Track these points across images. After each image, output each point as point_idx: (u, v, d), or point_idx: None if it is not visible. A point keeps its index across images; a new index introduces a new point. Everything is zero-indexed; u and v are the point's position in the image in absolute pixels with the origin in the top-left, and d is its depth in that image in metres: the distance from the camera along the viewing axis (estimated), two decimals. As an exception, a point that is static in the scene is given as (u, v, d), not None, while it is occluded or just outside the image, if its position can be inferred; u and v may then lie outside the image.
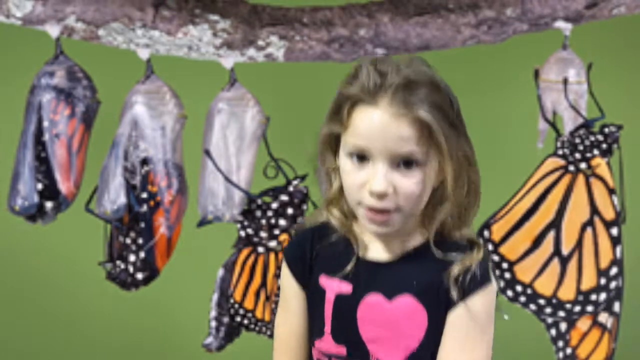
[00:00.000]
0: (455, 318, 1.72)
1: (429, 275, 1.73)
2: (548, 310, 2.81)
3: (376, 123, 1.67)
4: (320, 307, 1.79)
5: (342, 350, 1.78)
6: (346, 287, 1.77)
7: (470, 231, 1.78)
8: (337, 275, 1.77)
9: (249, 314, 2.81)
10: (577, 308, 2.80)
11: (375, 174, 1.69)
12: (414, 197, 1.70)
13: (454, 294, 1.71)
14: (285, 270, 1.84)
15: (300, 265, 1.82)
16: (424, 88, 1.69)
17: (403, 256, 1.76)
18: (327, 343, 1.80)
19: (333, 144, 1.77)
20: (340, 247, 1.80)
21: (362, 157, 1.70)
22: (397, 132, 1.66)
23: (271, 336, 2.82)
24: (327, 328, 1.79)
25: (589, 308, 2.80)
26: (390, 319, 1.74)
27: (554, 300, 2.80)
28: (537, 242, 2.80)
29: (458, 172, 1.71)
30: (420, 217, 1.76)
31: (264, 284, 2.80)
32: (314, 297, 1.81)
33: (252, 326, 2.82)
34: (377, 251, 1.78)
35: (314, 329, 1.82)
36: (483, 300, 1.72)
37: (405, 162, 1.68)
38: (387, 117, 1.67)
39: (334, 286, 1.78)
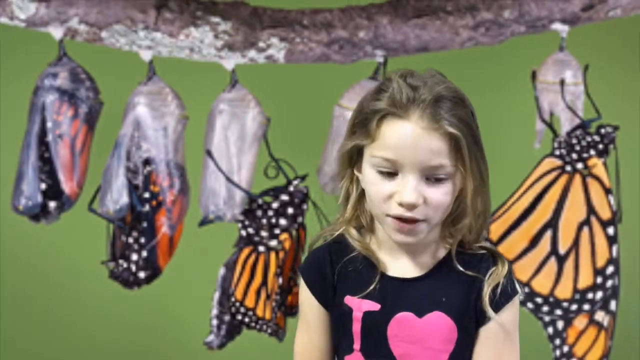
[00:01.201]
0: (490, 331, 1.75)
1: (457, 289, 1.76)
2: (545, 308, 2.81)
3: (408, 136, 1.69)
4: (348, 325, 1.79)
5: None
6: (373, 305, 1.78)
7: (488, 243, 1.81)
8: (362, 296, 1.78)
9: (250, 313, 2.81)
10: (574, 306, 2.81)
11: (405, 185, 1.70)
12: (442, 208, 1.72)
13: (487, 309, 1.74)
14: (305, 292, 1.83)
15: (322, 286, 1.81)
16: (453, 103, 1.71)
17: (428, 272, 1.78)
18: (357, 359, 1.80)
19: (355, 157, 1.78)
20: (360, 264, 1.80)
21: (390, 170, 1.72)
22: (429, 145, 1.69)
23: (272, 334, 2.84)
24: (357, 345, 1.79)
25: (586, 306, 2.81)
26: (421, 335, 1.75)
27: (551, 299, 2.81)
28: (534, 242, 2.80)
29: (478, 186, 1.74)
30: (440, 230, 1.79)
31: (264, 282, 2.80)
32: (340, 315, 1.80)
33: (253, 324, 2.83)
34: (400, 267, 1.79)
35: (342, 346, 1.81)
36: (514, 311, 1.76)
37: (435, 174, 1.71)
38: (420, 130, 1.68)
39: (360, 305, 1.78)
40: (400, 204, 1.70)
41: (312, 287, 1.82)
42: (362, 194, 1.80)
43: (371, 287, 1.77)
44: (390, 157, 1.70)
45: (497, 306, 1.75)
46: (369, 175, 1.74)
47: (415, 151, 1.68)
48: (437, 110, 1.69)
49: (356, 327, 1.77)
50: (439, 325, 1.74)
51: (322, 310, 1.82)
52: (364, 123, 1.74)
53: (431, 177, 1.71)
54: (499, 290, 1.75)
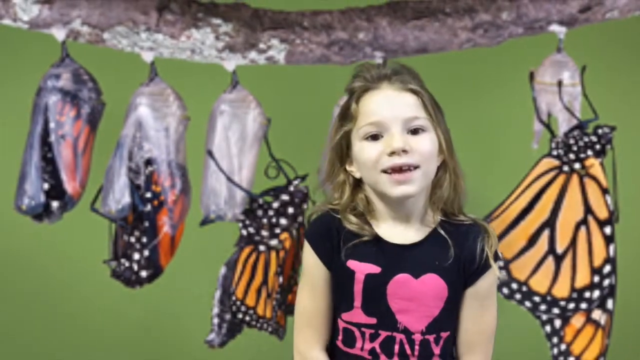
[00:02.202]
0: (478, 287, 2.00)
1: (448, 254, 1.98)
2: (543, 307, 2.83)
3: (384, 98, 1.97)
4: (349, 285, 1.98)
5: (372, 320, 1.98)
6: (374, 268, 1.97)
7: (476, 217, 2.05)
8: (364, 259, 1.98)
9: (251, 311, 2.83)
10: (571, 305, 2.82)
11: (392, 137, 1.94)
12: (429, 155, 1.96)
13: (475, 267, 1.99)
14: (309, 252, 2.01)
15: (327, 247, 2.00)
16: (411, 75, 2.01)
17: (423, 239, 1.99)
18: (357, 315, 1.99)
19: (344, 151, 2.00)
20: (363, 231, 1.99)
21: (375, 135, 1.95)
22: (402, 101, 1.96)
23: (272, 332, 2.85)
24: (357, 303, 1.98)
25: (583, 305, 2.82)
26: (416, 294, 1.97)
27: (548, 298, 2.82)
28: (532, 241, 2.82)
29: (449, 145, 2.00)
30: (428, 202, 2.00)
31: (265, 281, 2.81)
32: (342, 277, 1.99)
33: (254, 323, 2.84)
34: (398, 235, 1.99)
35: (341, 304, 2.00)
36: (495, 274, 2.01)
37: (414, 131, 1.95)
38: (391, 91, 1.97)
39: (362, 268, 1.98)
40: (392, 153, 1.93)
41: (317, 246, 2.00)
42: (355, 185, 2.01)
43: (372, 251, 1.98)
44: (373, 120, 1.95)
45: (483, 269, 1.99)
46: (359, 148, 1.97)
47: (392, 108, 1.96)
48: (401, 77, 1.99)
49: (358, 288, 1.97)
50: (432, 285, 1.97)
51: (327, 272, 2.00)
52: (347, 112, 2.00)
53: (411, 128, 1.95)
54: (485, 255, 1.98)
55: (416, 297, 1.97)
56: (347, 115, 1.99)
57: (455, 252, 1.98)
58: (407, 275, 1.97)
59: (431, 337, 1.98)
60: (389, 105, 1.95)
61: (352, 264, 1.98)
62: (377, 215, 2.00)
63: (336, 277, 2.00)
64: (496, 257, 2.01)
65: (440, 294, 1.98)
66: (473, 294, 1.99)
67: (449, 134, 2.00)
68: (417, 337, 1.97)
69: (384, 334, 1.98)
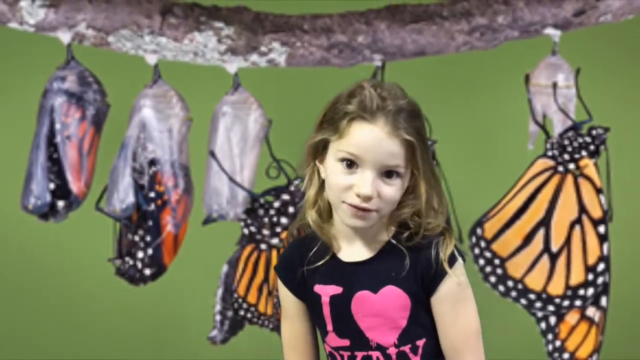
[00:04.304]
0: (442, 293, 1.96)
1: (403, 264, 1.96)
2: (538, 304, 2.85)
3: (373, 137, 1.91)
4: (319, 310, 2.00)
5: (345, 342, 1.99)
6: (336, 289, 1.98)
7: (439, 225, 2.00)
8: (326, 282, 1.99)
9: (252, 308, 2.85)
10: (566, 302, 2.84)
11: (363, 179, 1.90)
12: (392, 202, 1.94)
13: (433, 273, 1.95)
14: (282, 288, 2.05)
15: (293, 281, 2.02)
16: (410, 115, 1.94)
17: (377, 253, 1.99)
18: (332, 339, 2.00)
19: (320, 150, 1.99)
20: (324, 254, 2.00)
21: (351, 163, 1.92)
22: (389, 148, 1.91)
23: (273, 329, 2.88)
24: (329, 327, 1.99)
25: (577, 302, 2.84)
26: (379, 308, 1.96)
27: (543, 295, 2.84)
28: (527, 240, 2.84)
29: (432, 184, 1.97)
30: (386, 218, 1.99)
31: (266, 279, 2.84)
32: (312, 303, 2.01)
33: (255, 320, 2.87)
34: (354, 252, 1.99)
35: (320, 330, 2.03)
36: (458, 277, 1.96)
37: (388, 173, 1.92)
38: (383, 134, 1.91)
39: (327, 290, 1.99)
40: (358, 195, 1.91)
41: (286, 283, 2.03)
42: (322, 184, 2.01)
43: (332, 272, 1.98)
44: (355, 152, 1.91)
45: (441, 275, 1.96)
46: (332, 167, 1.95)
47: (377, 151, 1.90)
48: (398, 120, 1.92)
49: (326, 311, 1.99)
50: (393, 297, 1.95)
51: (298, 301, 2.03)
52: (334, 121, 1.95)
53: (385, 175, 1.92)
54: (440, 260, 1.96)
55: (380, 311, 1.96)
56: (332, 126, 1.95)
57: (411, 261, 1.95)
58: (367, 292, 1.96)
59: (406, 348, 1.97)
60: (374, 147, 1.90)
61: (317, 288, 1.99)
62: (336, 227, 2.00)
63: (308, 304, 2.02)
64: (453, 260, 1.95)
65: (403, 304, 1.95)
66: (440, 300, 1.96)
67: (433, 173, 1.97)
68: (393, 351, 1.97)
69: (359, 354, 1.98)
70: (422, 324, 1.97)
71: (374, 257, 1.98)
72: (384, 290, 1.96)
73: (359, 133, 1.91)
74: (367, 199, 1.90)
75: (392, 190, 1.92)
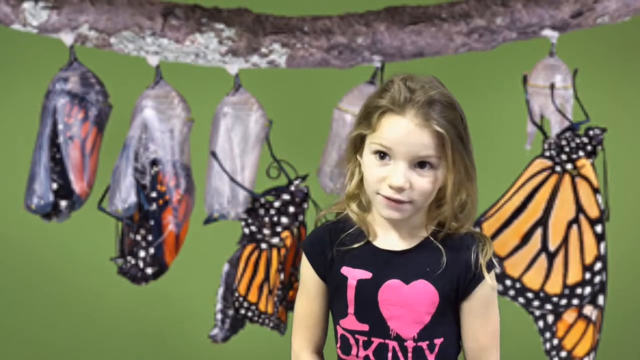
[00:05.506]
0: (477, 297, 1.99)
1: (439, 262, 1.98)
2: (536, 303, 2.86)
3: (403, 129, 1.93)
4: (343, 292, 2.01)
5: (364, 327, 2.01)
6: (366, 274, 2.00)
7: (472, 229, 2.03)
8: (356, 265, 2.00)
9: (253, 307, 2.86)
10: (564, 301, 2.85)
11: (395, 171, 1.93)
12: (426, 193, 1.95)
13: (471, 276, 1.98)
14: (306, 265, 2.05)
15: (320, 259, 2.03)
16: (443, 106, 1.95)
17: (414, 247, 2.00)
18: (350, 322, 2.01)
19: (358, 145, 2.01)
20: (357, 239, 2.02)
21: (384, 155, 1.95)
22: (420, 139, 1.93)
23: (273, 328, 2.89)
24: (351, 309, 2.00)
25: (575, 301, 2.85)
26: (407, 300, 1.98)
27: (541, 294, 2.85)
28: (525, 239, 2.85)
29: (462, 180, 1.97)
30: (426, 214, 2.01)
31: (267, 278, 2.84)
32: (336, 284, 2.02)
33: (256, 318, 2.87)
34: (390, 241, 2.01)
35: (338, 311, 2.04)
36: (492, 284, 2.00)
37: (421, 164, 1.94)
38: (413, 126, 1.93)
39: (355, 274, 2.00)
40: (390, 186, 1.93)
41: (312, 261, 2.04)
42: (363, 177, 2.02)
43: (364, 257, 2.00)
44: (386, 144, 1.94)
45: (479, 279, 1.98)
46: (367, 160, 1.97)
47: (407, 142, 1.92)
48: (428, 111, 1.93)
49: (350, 294, 2.00)
50: (422, 291, 1.97)
51: (320, 282, 2.04)
52: (368, 116, 1.97)
53: (418, 166, 1.94)
54: (479, 264, 1.99)
55: (407, 303, 1.97)
56: (367, 121, 1.97)
57: (448, 261, 1.97)
58: (398, 281, 1.98)
59: (424, 344, 1.98)
60: (404, 139, 1.92)
61: (345, 270, 2.00)
62: (374, 216, 2.02)
63: (331, 284, 2.03)
64: (491, 266, 1.99)
65: (431, 300, 1.97)
66: (473, 303, 1.99)
67: (466, 169, 1.97)
68: (410, 344, 1.98)
69: (376, 341, 1.99)
70: (445, 323, 1.99)
71: (411, 249, 2.00)
72: (416, 283, 1.98)
73: (390, 125, 1.94)
74: (399, 190, 1.93)
75: (425, 181, 1.94)
